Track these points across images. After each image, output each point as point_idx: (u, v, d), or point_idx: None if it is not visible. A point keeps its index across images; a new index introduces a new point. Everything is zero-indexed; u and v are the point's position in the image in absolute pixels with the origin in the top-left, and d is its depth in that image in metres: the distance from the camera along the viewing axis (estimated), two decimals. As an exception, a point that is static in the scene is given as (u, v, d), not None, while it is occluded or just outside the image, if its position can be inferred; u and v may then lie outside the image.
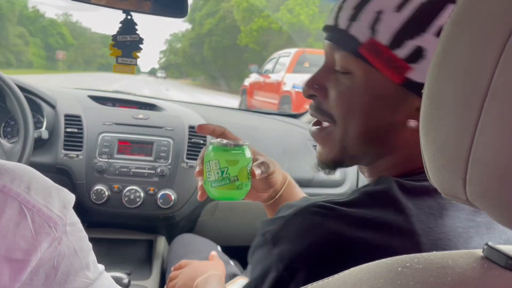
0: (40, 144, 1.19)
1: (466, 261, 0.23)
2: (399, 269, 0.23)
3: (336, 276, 0.26)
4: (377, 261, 0.25)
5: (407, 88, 0.40)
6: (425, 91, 0.27)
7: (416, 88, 0.39)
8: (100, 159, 1.20)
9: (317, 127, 0.49)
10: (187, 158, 1.25)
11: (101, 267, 0.44)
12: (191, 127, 1.31)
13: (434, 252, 0.25)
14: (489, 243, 0.24)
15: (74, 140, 1.22)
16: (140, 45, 0.86)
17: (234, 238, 1.31)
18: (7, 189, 0.35)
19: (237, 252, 1.07)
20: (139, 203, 1.17)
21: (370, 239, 0.35)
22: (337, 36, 0.43)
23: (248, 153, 0.56)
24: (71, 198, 0.40)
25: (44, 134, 1.17)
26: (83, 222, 0.42)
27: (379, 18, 0.40)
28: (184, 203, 1.22)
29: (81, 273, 0.40)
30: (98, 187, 1.17)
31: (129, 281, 0.87)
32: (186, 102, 1.64)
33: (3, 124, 1.27)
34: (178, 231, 1.23)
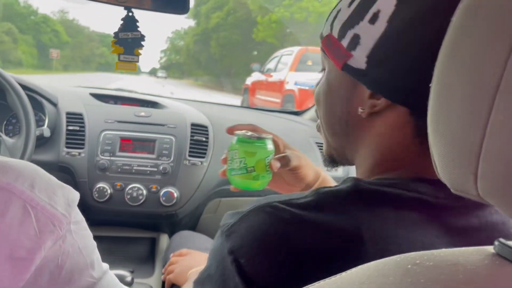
0: (42, 142, 1.19)
1: (477, 258, 0.23)
2: (409, 266, 0.22)
3: (343, 274, 0.25)
4: (385, 259, 0.25)
5: (348, 74, 0.41)
6: (433, 85, 0.26)
7: (356, 74, 0.40)
8: (102, 157, 1.20)
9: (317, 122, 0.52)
10: (190, 156, 1.25)
11: (105, 265, 0.44)
12: (193, 125, 1.31)
13: (443, 249, 0.24)
14: (501, 239, 0.23)
15: (76, 138, 1.22)
16: (142, 42, 0.85)
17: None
18: (11, 187, 0.35)
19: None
20: (141, 201, 1.17)
21: (315, 244, 0.34)
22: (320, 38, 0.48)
23: (269, 147, 0.58)
24: (75, 196, 0.40)
25: (46, 132, 1.16)
26: (85, 220, 0.42)
27: (337, 16, 0.43)
28: (187, 200, 1.22)
29: (86, 272, 0.40)
30: (101, 185, 1.17)
31: (132, 279, 0.87)
32: (188, 100, 1.63)
33: (5, 122, 1.27)
34: (180, 229, 1.23)
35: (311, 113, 1.61)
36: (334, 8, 0.44)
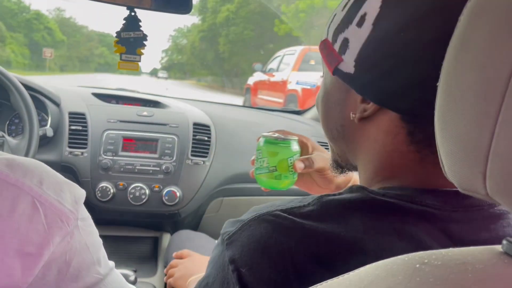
0: (45, 142, 1.19)
1: (486, 257, 0.23)
2: (417, 265, 0.22)
3: (351, 273, 0.25)
4: (393, 258, 0.25)
5: (340, 79, 0.41)
6: (440, 84, 0.26)
7: (346, 79, 0.40)
8: (105, 157, 1.20)
9: None
10: (192, 155, 1.25)
11: (111, 263, 0.44)
12: (195, 124, 1.31)
13: (451, 248, 0.24)
14: (509, 238, 0.23)
15: (78, 138, 1.22)
16: (144, 42, 0.85)
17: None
18: (19, 183, 0.35)
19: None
20: (144, 200, 1.18)
21: (317, 254, 0.34)
22: None
23: (293, 148, 0.60)
24: (81, 193, 0.40)
25: (49, 131, 1.17)
26: None
27: (332, 20, 0.42)
28: (189, 200, 1.22)
29: (93, 268, 0.40)
30: (103, 184, 1.17)
31: (135, 278, 0.87)
32: (190, 99, 1.64)
33: (8, 122, 1.27)
34: (183, 228, 1.23)
35: (313, 112, 1.61)
36: (333, 12, 0.44)
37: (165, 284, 0.91)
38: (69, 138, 1.22)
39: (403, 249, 0.33)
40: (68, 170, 1.19)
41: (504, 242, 0.23)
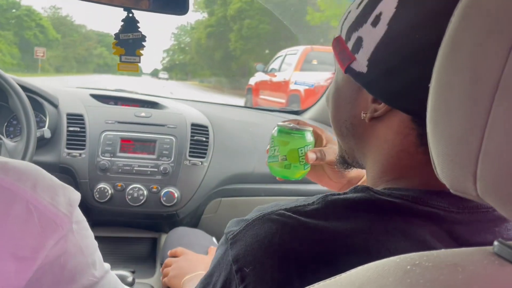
0: (43, 143, 1.19)
1: (476, 258, 0.23)
2: (408, 267, 0.22)
3: (343, 275, 0.25)
4: (385, 259, 0.25)
5: (352, 78, 0.41)
6: (432, 84, 0.26)
7: (358, 78, 0.40)
8: (103, 158, 1.20)
9: None
10: (190, 156, 1.25)
11: (106, 265, 0.44)
12: (193, 125, 1.31)
13: (443, 250, 0.24)
14: (500, 239, 0.23)
15: (76, 139, 1.22)
16: (143, 43, 0.85)
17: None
18: (14, 187, 0.35)
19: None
20: (142, 201, 1.18)
21: (321, 253, 0.34)
22: None
23: (306, 138, 0.60)
24: (76, 196, 0.40)
25: (47, 133, 1.17)
26: (86, 221, 0.42)
27: (346, 17, 0.42)
28: (188, 200, 1.22)
29: (87, 271, 0.40)
30: (101, 185, 1.17)
31: (133, 279, 0.87)
32: (188, 100, 1.64)
33: (6, 124, 1.27)
34: (181, 229, 1.23)
35: (312, 112, 1.61)
36: (347, 9, 0.44)
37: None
38: (67, 140, 1.21)
39: (408, 250, 0.33)
40: (66, 172, 1.19)
41: (496, 243, 0.23)
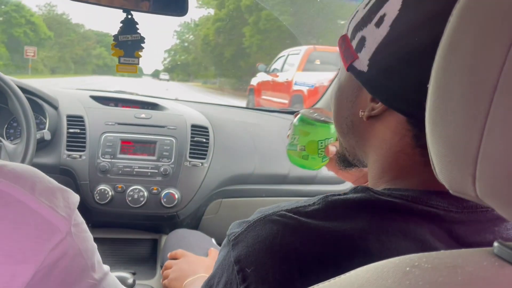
0: (43, 145, 1.19)
1: (476, 259, 0.23)
2: (407, 268, 0.22)
3: (342, 276, 0.25)
4: (384, 261, 0.25)
5: (353, 75, 0.41)
6: (430, 85, 0.26)
7: (358, 76, 0.40)
8: (103, 159, 1.20)
9: None
10: (190, 157, 1.25)
11: (106, 267, 0.44)
12: (193, 126, 1.31)
13: (442, 251, 0.24)
14: (500, 241, 0.23)
15: (77, 141, 1.22)
16: (142, 44, 0.85)
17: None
18: (11, 190, 0.35)
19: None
20: (142, 203, 1.18)
21: (323, 253, 0.34)
22: None
23: (327, 131, 0.58)
24: (75, 198, 0.40)
25: (47, 135, 1.17)
26: (87, 222, 0.42)
27: (354, 16, 0.43)
28: (188, 201, 1.22)
29: (87, 273, 0.40)
30: (102, 187, 1.17)
31: (134, 281, 0.87)
32: (188, 101, 1.64)
33: (5, 126, 1.27)
34: (182, 230, 1.23)
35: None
36: (356, 8, 0.44)
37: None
38: (67, 141, 1.22)
39: (408, 249, 0.33)
40: (66, 173, 1.19)
41: (496, 244, 0.23)
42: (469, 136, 0.22)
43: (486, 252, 0.23)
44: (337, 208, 0.37)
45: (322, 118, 0.57)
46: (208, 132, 1.32)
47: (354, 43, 0.41)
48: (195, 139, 1.28)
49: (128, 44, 0.83)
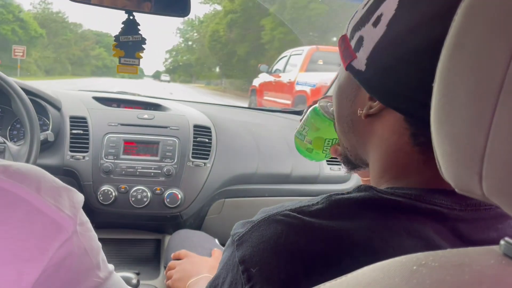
0: (46, 146, 1.19)
1: (483, 258, 0.23)
2: (414, 267, 0.22)
3: (349, 275, 0.25)
4: (390, 260, 0.25)
5: (351, 75, 0.42)
6: (436, 84, 0.26)
7: (357, 75, 0.41)
8: (107, 160, 1.21)
9: None
10: (193, 157, 1.25)
11: (111, 266, 0.44)
12: (196, 126, 1.31)
13: (449, 249, 0.24)
14: (507, 239, 0.23)
15: (80, 142, 1.22)
16: (143, 45, 0.86)
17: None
18: (17, 189, 0.35)
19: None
20: (146, 203, 1.18)
21: (327, 253, 0.34)
22: None
23: None
24: (80, 198, 0.40)
25: (50, 136, 1.17)
26: (90, 223, 0.42)
27: (353, 16, 0.43)
28: (191, 201, 1.22)
29: (92, 272, 0.40)
30: (105, 187, 1.17)
31: (138, 281, 0.87)
32: (190, 102, 1.64)
33: (9, 128, 1.28)
34: (185, 230, 1.24)
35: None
36: (357, 8, 0.45)
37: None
38: (71, 142, 1.22)
39: (412, 248, 0.33)
40: (70, 174, 1.20)
41: (502, 242, 0.23)
42: (475, 134, 0.22)
43: (493, 250, 0.23)
44: (341, 207, 0.37)
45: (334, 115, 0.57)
46: (210, 132, 1.32)
47: (352, 43, 0.41)
48: (198, 139, 1.28)
49: (129, 44, 0.84)
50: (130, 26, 0.84)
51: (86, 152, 1.21)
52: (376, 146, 0.42)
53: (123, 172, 1.20)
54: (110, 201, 1.16)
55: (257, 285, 0.34)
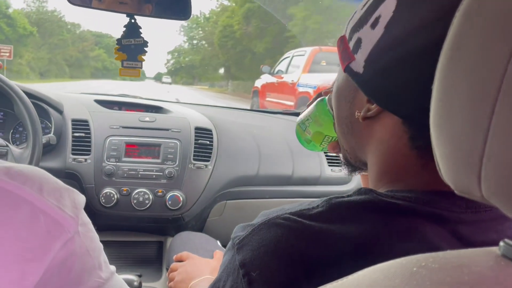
0: (48, 149, 1.20)
1: (482, 259, 0.23)
2: (415, 269, 0.22)
3: (349, 277, 0.25)
4: (391, 261, 0.25)
5: (350, 76, 0.41)
6: (435, 86, 0.26)
7: (355, 77, 0.41)
8: (108, 163, 1.21)
9: None
10: (194, 160, 1.26)
11: (112, 267, 0.45)
12: (197, 128, 1.31)
13: (448, 251, 0.25)
14: (506, 240, 0.23)
15: (82, 145, 1.23)
16: (145, 48, 0.86)
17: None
18: (19, 190, 0.35)
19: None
20: (148, 205, 1.18)
21: (328, 256, 0.34)
22: None
23: None
24: (82, 199, 0.41)
25: (52, 139, 1.18)
26: (93, 225, 0.43)
27: (352, 17, 0.43)
28: (193, 204, 1.22)
29: (94, 273, 0.40)
30: (107, 190, 1.18)
31: (140, 283, 0.88)
32: (191, 104, 1.64)
33: (12, 131, 1.28)
34: (187, 232, 1.24)
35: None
36: (356, 9, 0.44)
37: None
38: (73, 145, 1.22)
39: (412, 250, 0.33)
40: (72, 177, 1.20)
41: (501, 244, 0.23)
42: (474, 136, 0.22)
43: (493, 252, 0.24)
44: (341, 210, 0.37)
45: None
46: (212, 134, 1.32)
47: (351, 44, 0.41)
48: (199, 141, 1.29)
49: (131, 48, 0.84)
50: (132, 29, 0.84)
51: (88, 155, 1.22)
52: (375, 148, 0.42)
53: (125, 175, 1.20)
54: (112, 204, 1.17)
55: (259, 287, 0.34)
